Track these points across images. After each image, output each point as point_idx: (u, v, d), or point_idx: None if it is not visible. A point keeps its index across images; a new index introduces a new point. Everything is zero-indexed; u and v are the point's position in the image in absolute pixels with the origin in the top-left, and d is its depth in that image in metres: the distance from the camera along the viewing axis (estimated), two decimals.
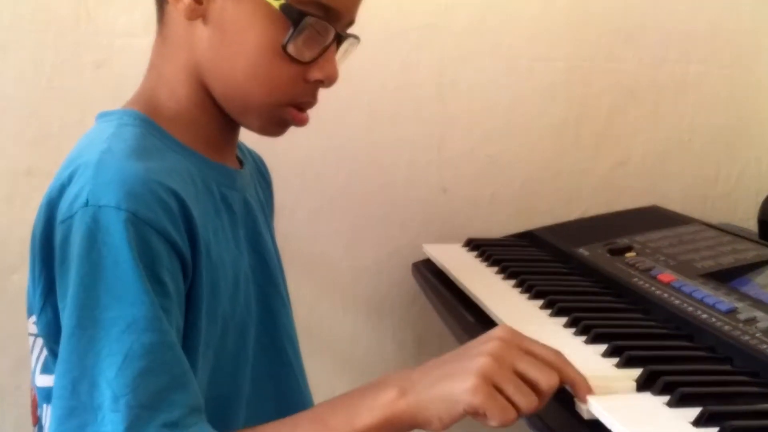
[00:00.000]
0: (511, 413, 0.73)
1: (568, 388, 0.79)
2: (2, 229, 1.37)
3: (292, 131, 1.44)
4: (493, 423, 0.73)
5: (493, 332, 0.78)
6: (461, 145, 1.58)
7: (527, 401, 0.73)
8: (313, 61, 0.85)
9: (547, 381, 0.75)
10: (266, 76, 0.85)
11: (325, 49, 0.85)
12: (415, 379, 0.76)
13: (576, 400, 0.79)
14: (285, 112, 0.88)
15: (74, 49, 1.37)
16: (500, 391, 0.73)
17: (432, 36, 1.53)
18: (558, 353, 0.79)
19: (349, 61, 1.43)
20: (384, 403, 0.74)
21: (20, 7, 1.35)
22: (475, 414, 0.73)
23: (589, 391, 0.78)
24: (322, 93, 1.43)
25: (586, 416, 0.78)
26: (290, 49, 0.83)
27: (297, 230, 1.52)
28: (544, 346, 0.79)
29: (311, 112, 1.46)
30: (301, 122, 0.90)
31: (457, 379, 0.73)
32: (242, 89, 0.86)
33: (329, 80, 0.87)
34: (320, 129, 1.48)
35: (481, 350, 0.75)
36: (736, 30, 1.66)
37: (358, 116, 1.52)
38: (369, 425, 0.74)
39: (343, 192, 1.54)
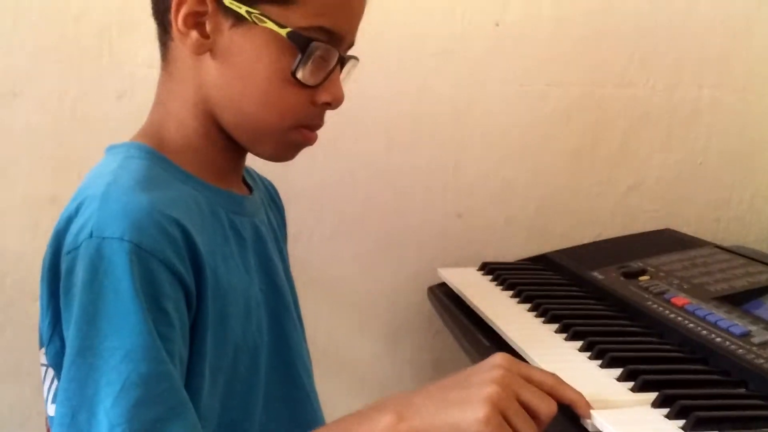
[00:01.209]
0: None
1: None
2: (27, 256, 1.39)
3: (310, 158, 1.47)
4: None
5: (494, 360, 0.79)
6: (476, 169, 1.59)
7: (530, 431, 0.75)
8: (319, 85, 0.87)
9: (547, 410, 0.76)
10: (277, 103, 0.86)
11: (330, 72, 0.87)
12: (417, 403, 0.76)
13: (581, 417, 0.82)
14: (296, 135, 0.89)
15: (97, 79, 1.40)
16: (506, 419, 0.74)
17: (447, 62, 1.55)
18: (555, 377, 0.80)
19: (365, 87, 1.46)
20: (383, 428, 0.74)
21: (44, 38, 1.38)
22: None
23: (588, 407, 0.81)
24: (340, 120, 1.46)
25: None
26: (299, 74, 0.84)
27: (314, 255, 1.54)
28: (541, 371, 0.81)
29: (330, 139, 1.49)
30: (311, 141, 0.92)
31: (468, 408, 0.73)
32: (254, 117, 0.87)
33: (336, 102, 0.89)
34: (337, 154, 1.52)
35: (487, 378, 0.75)
36: (748, 55, 1.67)
37: (375, 142, 1.54)
38: None
39: (360, 217, 1.56)
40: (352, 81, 0.94)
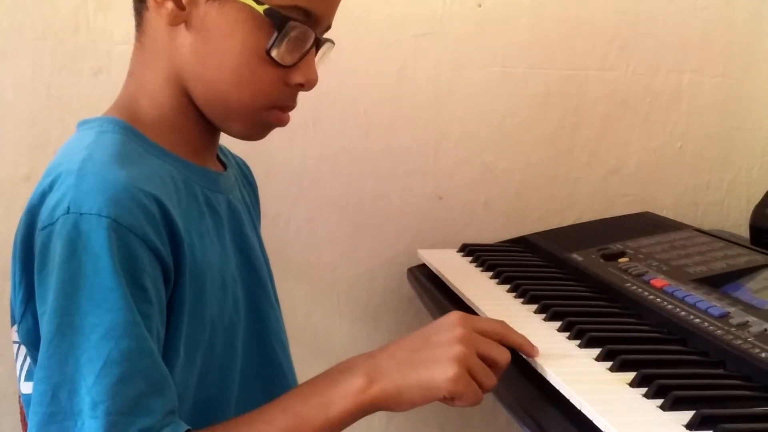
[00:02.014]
0: (480, 396, 0.80)
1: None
2: (1, 234, 1.37)
3: (289, 139, 1.47)
4: (464, 405, 0.80)
5: (451, 319, 0.84)
6: (456, 152, 1.59)
7: (491, 382, 0.82)
8: (294, 66, 0.86)
9: (503, 359, 0.84)
10: (249, 81, 0.85)
11: (306, 54, 0.86)
12: (384, 365, 0.80)
13: (529, 358, 0.90)
14: (268, 115, 0.89)
15: (73, 56, 1.38)
16: (471, 375, 0.79)
17: (428, 45, 1.54)
18: (502, 324, 0.88)
19: (345, 69, 1.45)
20: (355, 391, 0.78)
21: (19, 15, 1.36)
22: (449, 398, 0.79)
23: (533, 348, 0.90)
24: (320, 101, 1.46)
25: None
26: (273, 53, 0.84)
27: (293, 237, 1.53)
28: (489, 321, 0.89)
29: (309, 121, 1.48)
30: (284, 122, 0.91)
31: (437, 368, 0.79)
32: (225, 94, 0.86)
33: (310, 84, 0.88)
34: (316, 137, 1.51)
35: (450, 338, 0.81)
36: (728, 40, 1.67)
37: (355, 124, 1.53)
38: (342, 414, 0.78)
39: (340, 199, 1.55)
40: (332, 62, 0.93)
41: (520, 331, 0.90)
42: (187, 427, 0.74)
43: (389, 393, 0.78)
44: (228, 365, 0.90)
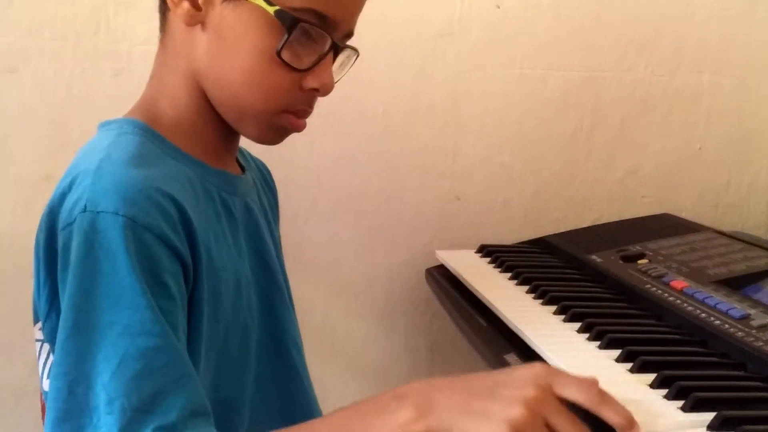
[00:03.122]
0: None
1: None
2: (21, 233, 1.39)
3: (308, 140, 1.47)
4: None
5: (530, 372, 0.71)
6: (475, 153, 1.59)
7: None
8: (308, 69, 0.85)
9: None
10: (261, 83, 0.84)
11: (321, 58, 0.85)
12: (439, 402, 0.70)
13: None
14: (282, 119, 0.88)
15: (93, 57, 1.39)
16: None
17: (446, 45, 1.54)
18: (598, 394, 0.71)
19: (364, 69, 1.45)
20: (402, 423, 0.69)
21: (40, 15, 1.37)
22: None
23: (633, 427, 0.71)
24: (338, 102, 1.46)
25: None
26: (285, 55, 0.83)
27: (311, 237, 1.53)
28: (581, 386, 0.71)
29: (327, 121, 1.49)
30: (299, 128, 0.90)
31: (487, 426, 0.67)
32: (238, 95, 0.86)
33: (324, 89, 0.87)
34: (335, 137, 1.51)
35: (517, 396, 0.68)
36: (748, 41, 1.67)
37: (373, 124, 1.54)
38: None
39: (357, 199, 1.55)
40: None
41: (541, 334, 0.81)
42: None
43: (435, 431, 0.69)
44: (242, 367, 0.90)
